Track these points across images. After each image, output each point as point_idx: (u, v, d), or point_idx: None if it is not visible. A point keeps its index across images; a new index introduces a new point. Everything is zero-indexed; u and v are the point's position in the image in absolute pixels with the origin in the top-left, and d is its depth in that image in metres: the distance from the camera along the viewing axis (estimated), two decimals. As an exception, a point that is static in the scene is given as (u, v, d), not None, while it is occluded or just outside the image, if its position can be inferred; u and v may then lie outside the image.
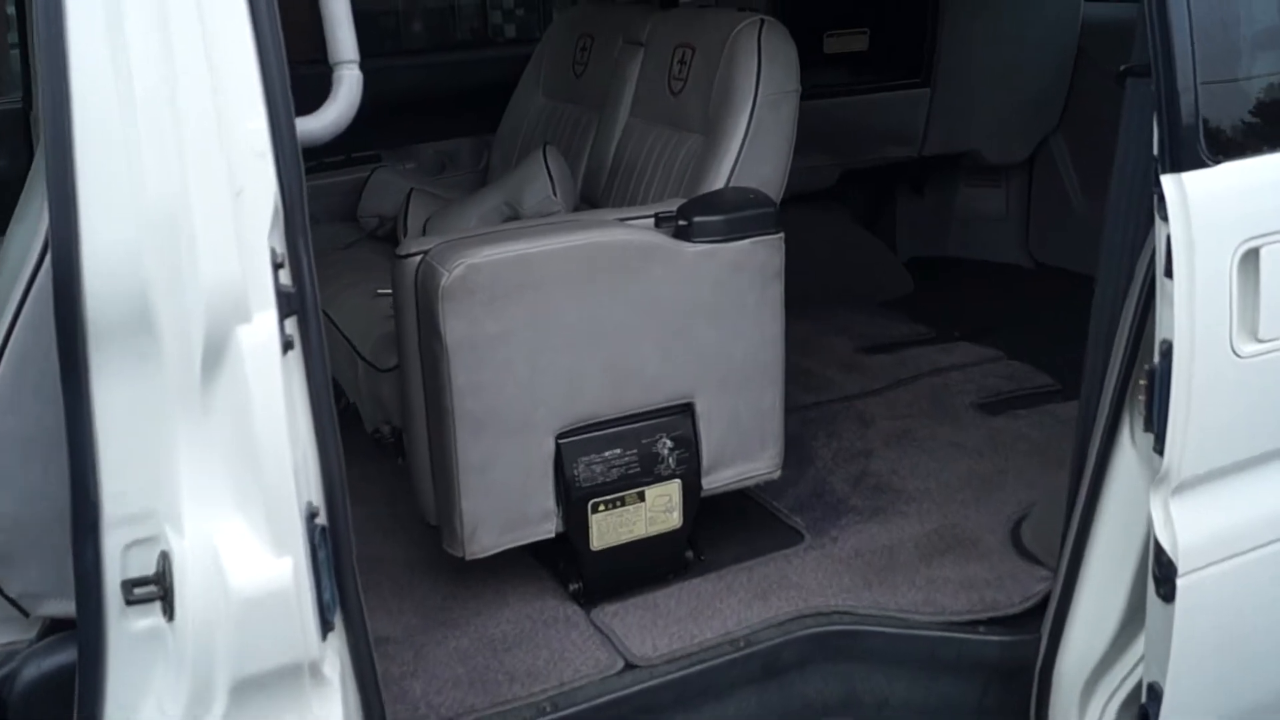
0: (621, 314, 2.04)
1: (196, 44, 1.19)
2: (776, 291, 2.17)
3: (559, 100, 3.14)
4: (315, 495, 1.34)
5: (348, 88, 1.41)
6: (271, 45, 1.25)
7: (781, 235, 2.15)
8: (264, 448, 1.24)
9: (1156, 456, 1.65)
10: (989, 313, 3.56)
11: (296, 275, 1.30)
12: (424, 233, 2.72)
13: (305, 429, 1.32)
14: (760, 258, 2.13)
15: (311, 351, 1.32)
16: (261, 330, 1.23)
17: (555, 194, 2.59)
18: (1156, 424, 1.64)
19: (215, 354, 1.21)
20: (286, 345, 1.26)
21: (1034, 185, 3.98)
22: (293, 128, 1.29)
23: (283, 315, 1.25)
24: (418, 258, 2.02)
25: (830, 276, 3.62)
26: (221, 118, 1.21)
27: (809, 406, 2.90)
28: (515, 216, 2.65)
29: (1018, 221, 4.02)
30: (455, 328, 1.93)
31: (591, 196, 2.82)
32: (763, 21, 2.37)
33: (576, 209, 2.75)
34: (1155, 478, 1.67)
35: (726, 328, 2.14)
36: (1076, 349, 1.91)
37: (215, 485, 1.24)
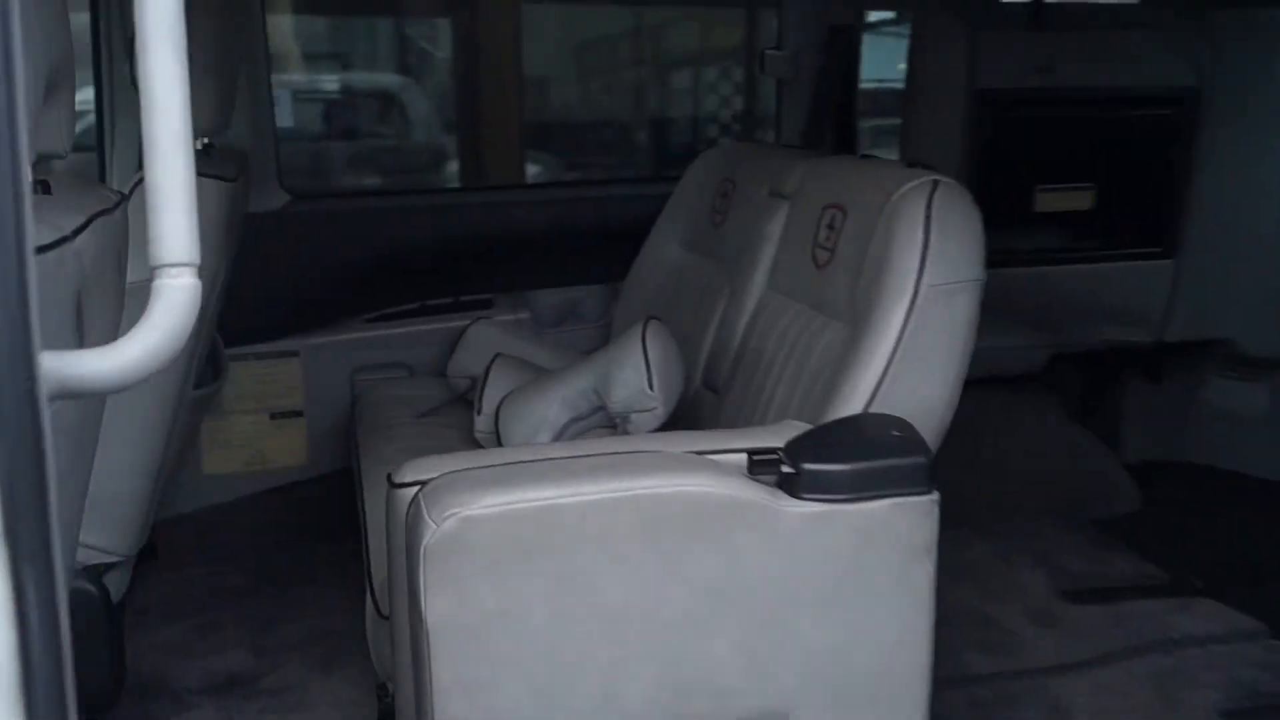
0: (686, 595, 1.42)
1: None
2: (924, 574, 1.49)
3: (695, 253, 2.58)
4: None
5: (167, 306, 0.87)
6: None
7: (936, 497, 1.48)
8: None
9: None
10: (1245, 553, 2.71)
11: None
12: (496, 416, 2.18)
13: None
14: (901, 527, 1.47)
15: None
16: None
17: (652, 387, 2.01)
18: None
19: None
20: None
21: (1307, 383, 3.12)
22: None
23: None
24: (412, 489, 1.47)
25: (1028, 483, 2.86)
26: None
27: (981, 680, 2.16)
28: (603, 408, 2.08)
29: (1283, 427, 3.16)
30: (440, 604, 1.35)
31: (714, 383, 2.22)
32: (936, 184, 1.73)
33: (687, 397, 2.16)
34: None
35: (845, 622, 1.47)
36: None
37: None
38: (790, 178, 2.18)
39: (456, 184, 6.73)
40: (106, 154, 2.47)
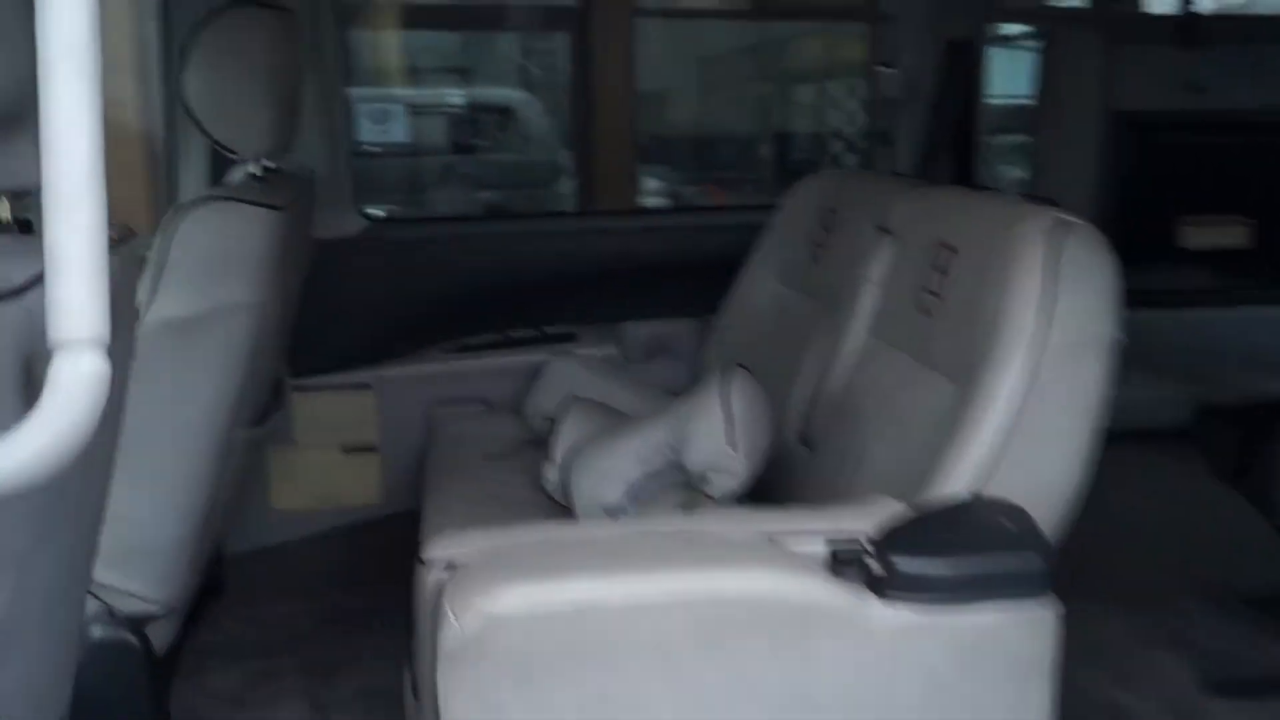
0: (753, 717, 1.20)
1: None
2: (1041, 699, 1.24)
3: (793, 289, 2.36)
4: None
5: (63, 395, 0.71)
6: None
7: (1058, 609, 1.23)
8: None
9: None
10: None
11: None
12: (567, 468, 2.00)
13: None
14: (1013, 640, 1.23)
15: None
16: None
17: (735, 447, 1.79)
18: None
19: None
20: None
21: None
22: None
23: None
24: (443, 571, 1.29)
25: (1169, 554, 2.55)
26: None
27: (1111, 787, 1.88)
28: (679, 464, 1.87)
29: None
30: (460, 712, 1.17)
31: (808, 436, 1.99)
32: (1063, 224, 1.47)
33: (777, 450, 1.94)
34: None
35: (945, 750, 1.24)
36: None
37: None
38: (897, 210, 1.94)
39: (550, 208, 6.62)
40: (176, 172, 2.38)
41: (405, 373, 2.66)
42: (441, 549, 1.32)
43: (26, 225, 1.08)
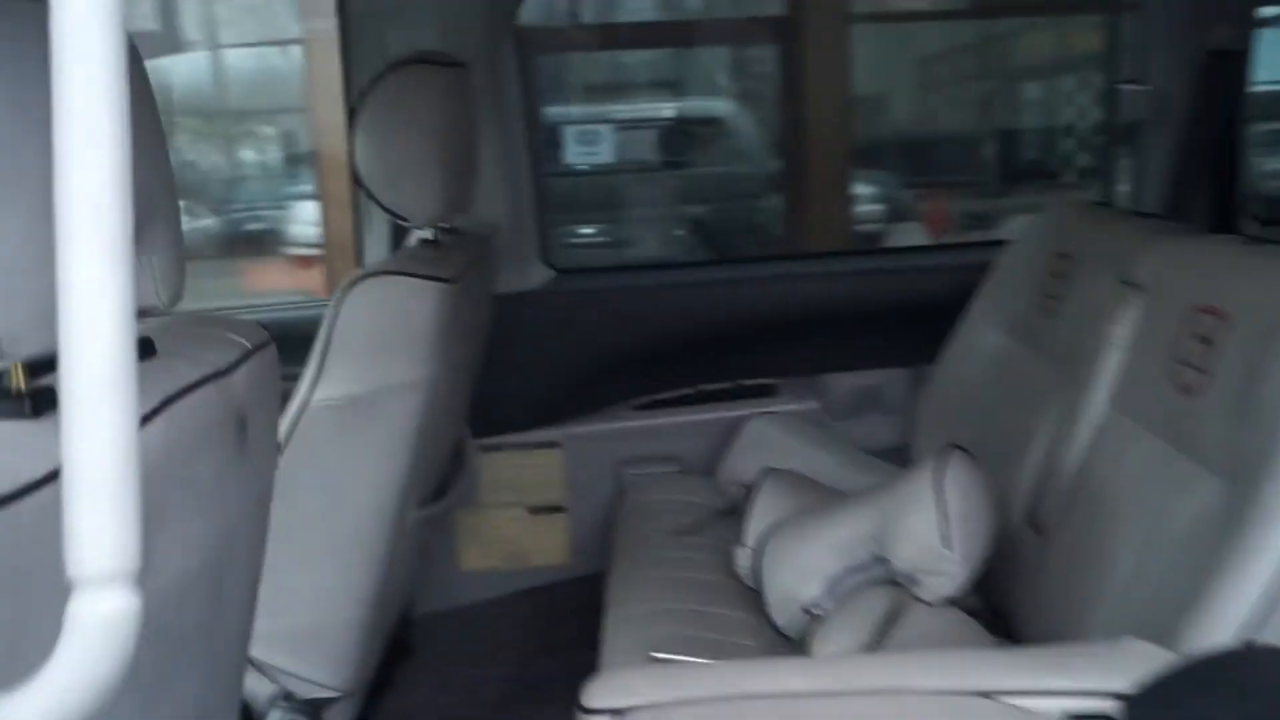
0: None
1: None
2: None
3: (1020, 343, 2.08)
4: None
5: (82, 642, 0.57)
6: None
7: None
8: None
9: None
10: None
11: None
12: (760, 553, 1.80)
13: None
14: None
15: None
16: None
17: (950, 546, 1.55)
18: None
19: None
20: None
21: None
22: None
23: None
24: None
25: None
26: None
27: None
28: (885, 560, 1.64)
29: None
30: None
31: (1037, 519, 1.72)
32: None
33: (1003, 533, 1.67)
34: None
35: None
36: None
37: None
38: (1147, 260, 1.65)
39: (760, 221, 6.39)
40: (361, 241, 2.33)
41: (593, 430, 2.52)
42: (607, 696, 1.15)
43: (148, 347, 0.98)
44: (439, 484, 2.14)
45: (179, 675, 0.97)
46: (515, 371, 2.45)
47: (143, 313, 0.96)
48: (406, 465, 1.72)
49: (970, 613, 1.62)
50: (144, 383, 0.93)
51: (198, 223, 11.85)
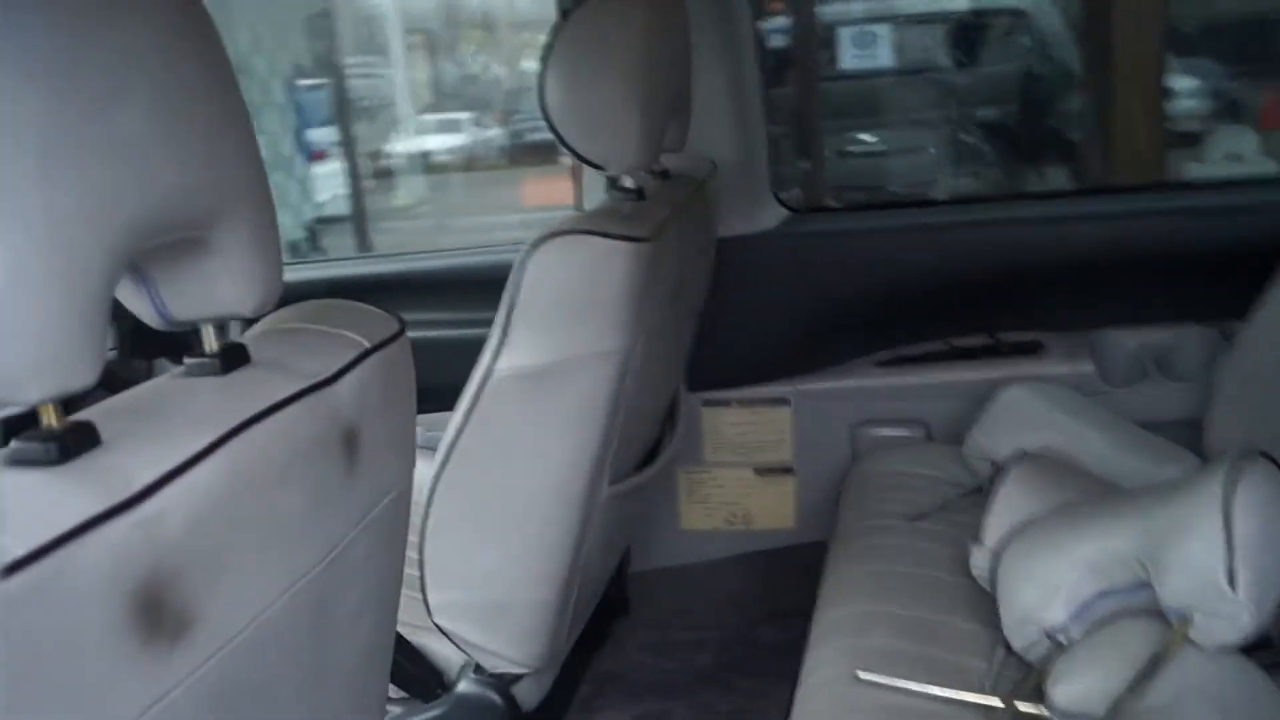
0: None
1: None
2: None
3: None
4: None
5: None
6: None
7: None
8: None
9: None
10: None
11: None
12: (1000, 557, 1.54)
13: None
14: None
15: None
16: None
17: (1235, 585, 1.23)
18: None
19: None
20: None
21: None
22: None
23: None
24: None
25: None
26: None
27: None
28: (1149, 587, 1.34)
29: None
30: None
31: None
32: None
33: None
34: None
35: None
36: None
37: None
38: None
39: (1060, 128, 5.73)
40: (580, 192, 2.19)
41: (827, 387, 2.29)
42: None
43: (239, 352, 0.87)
44: (649, 449, 1.99)
45: (274, 702, 0.87)
46: (742, 322, 2.25)
47: (222, 321, 0.84)
48: (596, 441, 1.57)
49: (1260, 658, 1.31)
50: (220, 402, 0.81)
51: (485, 133, 12.23)
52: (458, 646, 1.70)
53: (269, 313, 0.88)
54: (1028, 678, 1.40)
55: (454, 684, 1.71)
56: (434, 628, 1.68)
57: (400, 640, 1.69)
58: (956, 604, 1.59)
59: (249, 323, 0.92)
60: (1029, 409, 1.97)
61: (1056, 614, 1.42)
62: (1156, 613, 1.34)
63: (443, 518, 1.62)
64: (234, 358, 0.84)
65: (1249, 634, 1.25)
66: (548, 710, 1.94)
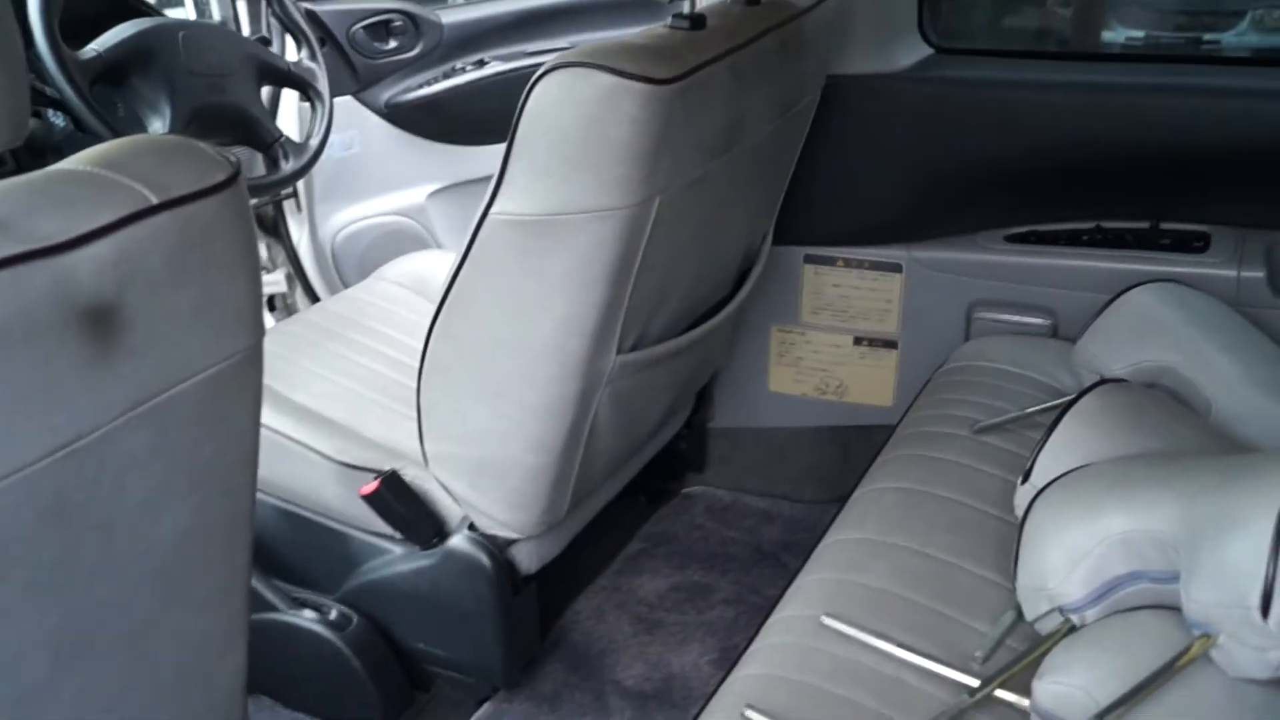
0: None
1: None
2: None
3: None
4: None
5: None
6: None
7: None
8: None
9: None
10: None
11: None
12: (1034, 497, 1.29)
13: None
14: None
15: None
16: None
17: (1266, 613, 0.96)
18: None
19: None
20: None
21: None
22: None
23: None
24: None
25: None
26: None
27: None
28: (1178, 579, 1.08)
29: None
30: None
31: None
32: None
33: None
34: None
35: None
36: None
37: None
38: None
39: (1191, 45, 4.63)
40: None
41: (947, 257, 2.00)
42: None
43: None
44: (664, 333, 1.79)
45: (10, 605, 0.79)
46: (858, 173, 1.98)
47: None
48: (596, 305, 1.40)
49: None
50: None
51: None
52: (454, 499, 1.62)
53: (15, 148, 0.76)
54: (1022, 659, 1.18)
55: (449, 537, 1.65)
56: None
57: (400, 482, 1.63)
58: (983, 548, 1.37)
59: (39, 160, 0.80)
60: (1157, 316, 1.64)
61: (1074, 589, 1.18)
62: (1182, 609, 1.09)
63: (438, 363, 1.52)
64: None
65: (1277, 669, 0.98)
66: (562, 572, 1.87)
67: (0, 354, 0.72)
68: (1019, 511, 1.38)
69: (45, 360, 0.75)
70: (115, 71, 1.70)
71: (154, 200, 0.81)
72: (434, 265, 2.22)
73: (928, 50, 1.97)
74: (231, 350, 0.91)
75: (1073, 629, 1.18)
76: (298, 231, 2.56)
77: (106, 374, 0.79)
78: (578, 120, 1.28)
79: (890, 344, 2.09)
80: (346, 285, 2.56)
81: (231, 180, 0.87)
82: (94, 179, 0.81)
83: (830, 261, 2.08)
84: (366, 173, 2.54)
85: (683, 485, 2.30)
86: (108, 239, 0.77)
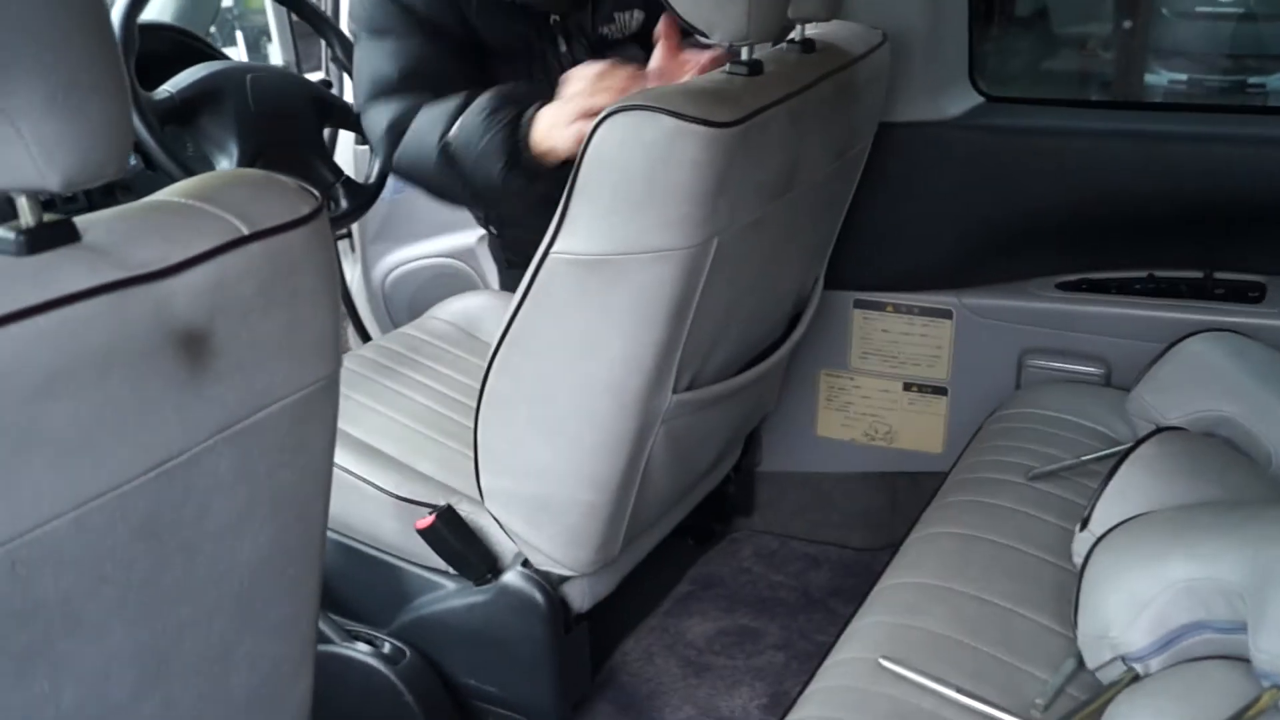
0: None
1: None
2: None
3: None
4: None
5: None
6: None
7: None
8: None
9: None
10: None
11: None
12: (1094, 544, 1.28)
13: None
14: None
15: None
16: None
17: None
18: None
19: None
20: None
21: None
22: None
23: None
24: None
25: None
26: None
27: None
28: (1245, 628, 1.07)
29: None
30: None
31: None
32: None
33: None
34: None
35: None
36: None
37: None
38: None
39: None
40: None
41: (998, 305, 2.00)
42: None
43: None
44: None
45: (102, 621, 0.81)
46: (909, 219, 1.99)
47: (10, 195, 0.75)
48: (655, 344, 1.41)
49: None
50: (20, 282, 0.73)
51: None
52: (509, 535, 1.63)
53: (95, 186, 0.78)
54: (1084, 707, 1.17)
55: (503, 573, 1.66)
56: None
57: (455, 517, 1.64)
58: (1041, 594, 1.36)
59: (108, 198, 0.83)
60: (1213, 365, 1.63)
61: (1137, 638, 1.17)
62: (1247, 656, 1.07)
63: (496, 399, 1.53)
64: (52, 237, 0.75)
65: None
66: (611, 612, 1.87)
67: (102, 375, 0.74)
68: (1078, 559, 1.37)
69: (142, 382, 0.77)
70: (186, 112, 1.75)
71: (245, 231, 0.83)
72: (485, 305, 2.25)
73: (978, 99, 1.99)
74: (313, 378, 0.93)
75: (1136, 678, 1.17)
76: (350, 272, 2.60)
77: (196, 398, 0.82)
78: (641, 161, 1.30)
79: (940, 390, 2.09)
80: (396, 326, 2.59)
81: (317, 212, 0.90)
82: (188, 210, 0.84)
83: (880, 307, 2.09)
84: (417, 215, 2.58)
85: (730, 528, 2.30)
86: (202, 267, 0.80)
